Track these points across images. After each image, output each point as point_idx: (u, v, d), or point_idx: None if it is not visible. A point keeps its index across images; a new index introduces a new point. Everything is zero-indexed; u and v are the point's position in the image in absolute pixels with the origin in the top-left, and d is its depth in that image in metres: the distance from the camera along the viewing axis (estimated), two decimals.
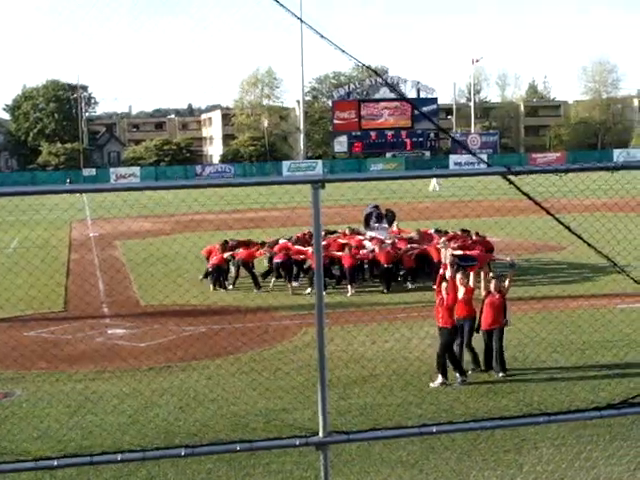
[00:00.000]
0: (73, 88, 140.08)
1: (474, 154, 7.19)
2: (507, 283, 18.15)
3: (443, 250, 22.67)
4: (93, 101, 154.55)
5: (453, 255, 22.48)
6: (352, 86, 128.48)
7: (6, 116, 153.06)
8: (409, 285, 27.62)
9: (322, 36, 5.46)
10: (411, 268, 27.94)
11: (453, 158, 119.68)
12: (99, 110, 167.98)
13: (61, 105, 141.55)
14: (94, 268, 34.73)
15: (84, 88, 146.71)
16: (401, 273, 28.37)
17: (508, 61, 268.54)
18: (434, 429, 6.40)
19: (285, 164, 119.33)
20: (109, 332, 22.57)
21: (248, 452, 12.58)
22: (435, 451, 12.94)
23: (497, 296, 17.55)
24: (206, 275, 29.40)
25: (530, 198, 5.91)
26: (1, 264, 30.04)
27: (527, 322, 20.36)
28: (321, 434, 6.27)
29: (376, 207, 32.34)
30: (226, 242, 29.84)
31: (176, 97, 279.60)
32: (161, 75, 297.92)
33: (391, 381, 16.93)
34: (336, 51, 6.18)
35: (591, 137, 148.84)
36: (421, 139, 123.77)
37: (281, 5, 6.19)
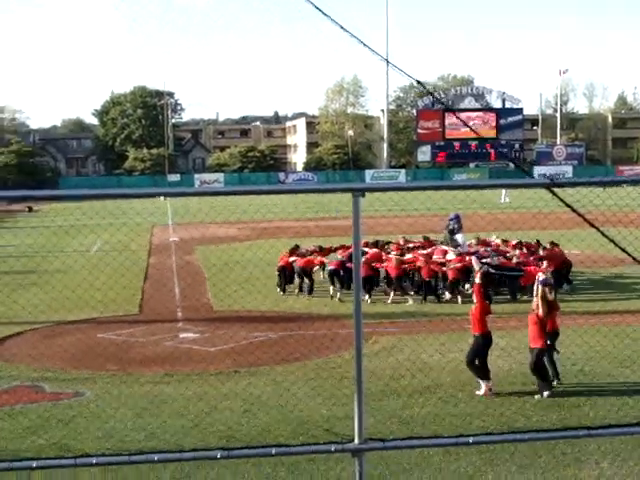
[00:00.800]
0: (160, 94, 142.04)
1: (516, 164, 7.13)
2: (536, 300, 17.79)
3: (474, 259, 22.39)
4: (179, 107, 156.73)
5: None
6: (437, 95, 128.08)
7: (94, 121, 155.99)
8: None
9: (371, 49, 5.50)
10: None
11: (537, 169, 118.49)
12: (185, 116, 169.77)
13: (148, 111, 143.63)
14: (172, 273, 35.16)
15: (170, 95, 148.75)
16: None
17: (596, 72, 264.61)
18: (470, 440, 6.40)
19: (368, 173, 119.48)
20: (181, 336, 22.85)
21: (307, 458, 12.74)
22: (495, 463, 12.87)
23: (533, 314, 17.34)
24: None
25: (574, 210, 5.88)
26: (82, 267, 30.50)
27: (595, 335, 20.11)
28: (357, 441, 6.31)
29: (457, 217, 32.05)
30: (297, 246, 30.25)
31: (262, 105, 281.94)
32: (249, 82, 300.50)
33: (455, 391, 16.88)
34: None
35: None
36: (505, 149, 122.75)
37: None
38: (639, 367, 18.39)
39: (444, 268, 27.95)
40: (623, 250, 6.06)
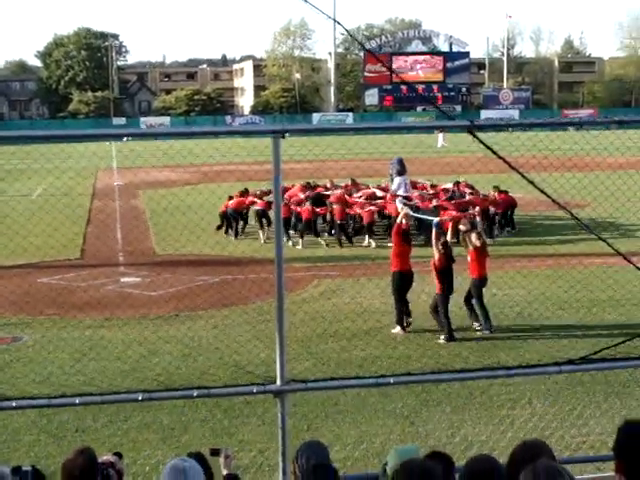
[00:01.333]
0: (104, 36, 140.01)
1: (437, 106, 7.12)
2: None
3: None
4: (124, 50, 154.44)
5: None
6: (384, 39, 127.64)
7: (38, 63, 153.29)
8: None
9: None
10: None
11: (484, 113, 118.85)
12: (131, 59, 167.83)
13: (92, 53, 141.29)
14: (115, 217, 34.89)
15: (115, 37, 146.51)
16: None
17: (543, 16, 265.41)
18: (391, 380, 6.45)
19: (316, 116, 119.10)
20: (122, 280, 22.78)
21: (244, 400, 12.80)
22: (430, 404, 13.04)
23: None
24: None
25: (494, 153, 5.89)
26: (22, 211, 30.13)
27: (537, 278, 20.39)
28: (279, 382, 6.34)
29: (398, 161, 31.89)
30: (246, 190, 30.47)
31: (210, 47, 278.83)
32: (196, 25, 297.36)
33: (394, 334, 17.02)
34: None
35: (625, 94, 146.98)
36: (452, 93, 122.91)
37: None
38: (576, 309, 18.67)
39: (359, 210, 28.32)
40: (542, 192, 6.11)
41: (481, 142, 5.88)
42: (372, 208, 28.44)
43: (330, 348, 16.10)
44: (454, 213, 25.85)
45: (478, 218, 26.00)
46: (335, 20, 5.67)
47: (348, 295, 20.12)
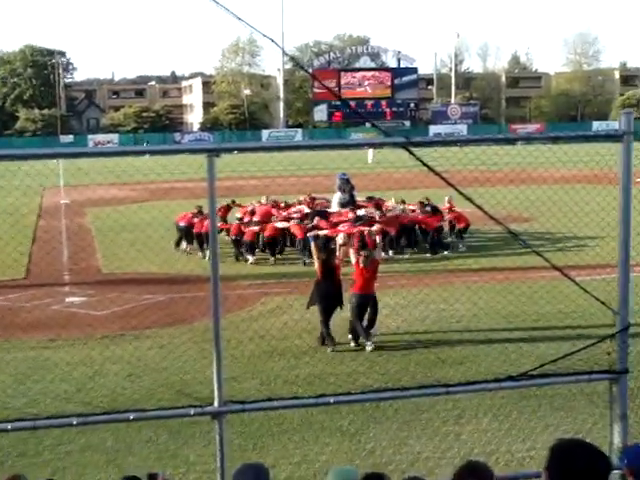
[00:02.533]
0: (51, 53, 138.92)
1: (373, 123, 7.10)
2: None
3: None
4: (72, 67, 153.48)
5: None
6: (332, 55, 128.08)
7: None
8: None
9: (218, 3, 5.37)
10: None
11: (433, 129, 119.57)
12: (79, 76, 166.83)
13: (39, 70, 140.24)
14: (61, 236, 34.55)
15: (62, 54, 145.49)
16: None
17: (490, 32, 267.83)
18: (331, 400, 6.40)
19: (265, 132, 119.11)
20: (67, 300, 22.50)
21: (190, 421, 12.63)
22: (377, 421, 12.99)
23: None
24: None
25: (430, 169, 5.87)
26: None
27: (486, 293, 20.45)
28: (216, 404, 6.26)
29: (340, 177, 31.73)
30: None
31: (160, 64, 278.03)
32: (145, 42, 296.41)
33: (342, 351, 16.98)
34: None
35: (572, 109, 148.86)
36: (401, 109, 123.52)
37: None
38: (522, 322, 18.76)
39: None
40: (479, 207, 6.10)
41: (417, 158, 5.86)
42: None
43: (277, 366, 16.00)
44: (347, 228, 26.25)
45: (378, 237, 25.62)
46: (284, 51, 5.62)
47: (296, 312, 20.02)
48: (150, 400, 13.94)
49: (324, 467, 11.04)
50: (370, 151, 75.88)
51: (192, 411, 6.24)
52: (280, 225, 28.25)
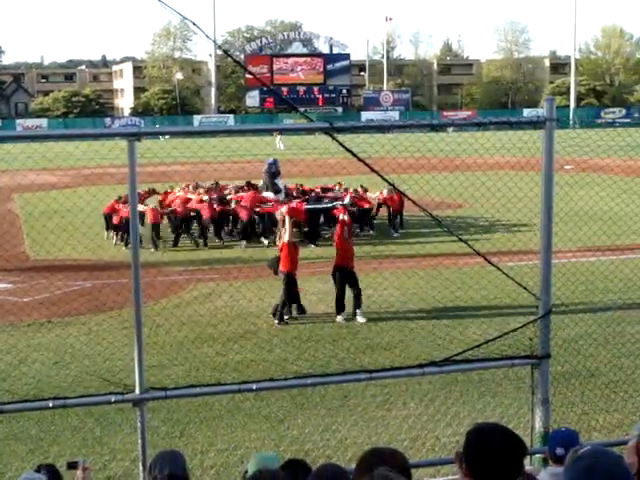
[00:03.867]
0: None
1: (297, 109, 7.08)
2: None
3: None
4: None
5: None
6: (265, 40, 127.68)
7: None
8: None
9: None
10: None
11: (365, 115, 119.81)
12: (7, 60, 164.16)
13: None
14: None
15: None
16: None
17: (422, 19, 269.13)
18: (254, 386, 6.37)
19: (197, 118, 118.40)
20: None
21: (117, 408, 12.51)
22: (305, 407, 13.01)
23: None
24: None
25: (354, 155, 5.85)
26: None
27: (414, 278, 20.54)
28: (137, 391, 6.20)
29: (275, 162, 31.73)
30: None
31: (90, 48, 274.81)
32: (76, 25, 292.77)
33: (271, 337, 16.97)
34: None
35: (502, 96, 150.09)
36: (333, 95, 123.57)
37: None
38: (450, 308, 18.93)
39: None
40: (402, 193, 6.10)
41: (340, 144, 5.84)
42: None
43: (205, 352, 15.93)
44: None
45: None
46: (215, 42, 5.55)
47: (224, 299, 19.96)
48: (77, 388, 13.75)
49: (250, 454, 11.02)
50: (278, 137, 75.77)
51: (113, 398, 6.19)
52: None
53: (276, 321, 18.02)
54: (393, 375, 7.30)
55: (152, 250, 26.88)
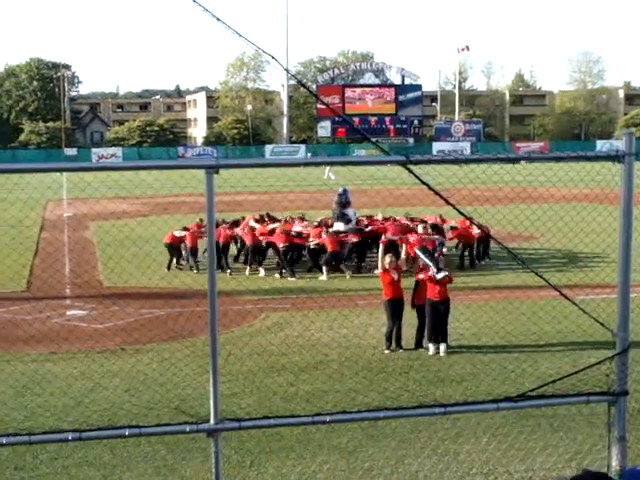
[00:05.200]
0: (57, 66, 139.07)
1: (369, 139, 7.11)
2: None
3: None
4: (77, 80, 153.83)
5: None
6: (337, 71, 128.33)
7: None
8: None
9: (218, 19, 5.39)
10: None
11: (436, 146, 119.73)
12: (85, 89, 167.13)
13: (44, 83, 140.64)
14: (63, 248, 34.54)
15: (67, 67, 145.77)
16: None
17: (495, 50, 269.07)
18: (327, 418, 6.37)
19: (268, 147, 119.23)
20: (68, 313, 22.50)
21: (189, 437, 12.58)
22: (375, 439, 12.94)
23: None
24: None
25: (430, 188, 5.87)
26: None
27: (487, 311, 20.42)
28: (212, 421, 6.23)
29: (346, 191, 31.79)
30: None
31: (164, 78, 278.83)
32: (151, 56, 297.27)
33: (342, 368, 16.93)
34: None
35: (575, 127, 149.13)
36: (405, 126, 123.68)
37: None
38: (522, 341, 18.78)
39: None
40: (479, 227, 6.08)
41: (417, 177, 5.85)
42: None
43: (276, 382, 15.96)
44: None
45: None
46: (287, 70, 5.63)
47: (297, 328, 20.03)
48: (148, 415, 13.91)
49: None
50: (327, 167, 76.20)
51: (188, 428, 6.23)
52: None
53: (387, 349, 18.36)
54: (467, 410, 7.26)
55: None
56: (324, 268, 27.61)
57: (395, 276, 18.68)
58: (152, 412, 14.11)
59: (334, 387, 15.66)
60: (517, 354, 17.87)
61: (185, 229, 29.86)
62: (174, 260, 29.65)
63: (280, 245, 28.01)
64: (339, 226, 29.99)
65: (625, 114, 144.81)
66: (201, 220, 30.67)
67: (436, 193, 5.88)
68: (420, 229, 28.26)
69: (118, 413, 14.07)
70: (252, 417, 7.72)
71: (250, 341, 18.89)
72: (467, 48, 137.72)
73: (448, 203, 5.99)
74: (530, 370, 16.58)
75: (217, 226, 30.89)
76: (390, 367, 17.03)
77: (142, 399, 14.95)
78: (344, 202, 30.67)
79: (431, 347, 18.15)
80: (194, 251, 29.26)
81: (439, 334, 18.14)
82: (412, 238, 26.70)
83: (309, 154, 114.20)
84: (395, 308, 18.61)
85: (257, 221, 31.27)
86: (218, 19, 5.46)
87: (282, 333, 19.77)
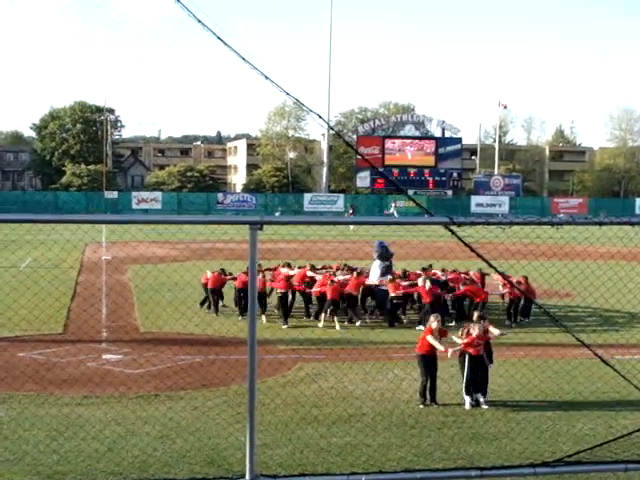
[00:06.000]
0: (100, 110, 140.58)
1: (406, 193, 7.15)
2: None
3: None
4: (120, 124, 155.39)
5: None
6: (377, 122, 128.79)
7: (33, 135, 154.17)
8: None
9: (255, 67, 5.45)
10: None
11: (475, 199, 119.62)
12: (127, 133, 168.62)
13: (87, 127, 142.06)
14: (100, 292, 34.73)
15: (111, 111, 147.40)
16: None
17: (535, 105, 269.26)
18: (363, 478, 6.34)
19: (307, 196, 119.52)
20: (103, 357, 22.57)
21: None
22: None
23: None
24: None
25: (472, 250, 5.87)
26: (7, 282, 30.06)
27: (521, 368, 20.28)
28: (248, 477, 6.21)
29: (379, 244, 31.67)
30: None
31: (206, 124, 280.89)
32: (193, 101, 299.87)
33: (376, 422, 16.83)
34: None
35: (615, 184, 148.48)
36: (444, 178, 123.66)
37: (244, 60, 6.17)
38: (558, 400, 18.62)
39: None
40: (516, 287, 6.07)
41: (459, 238, 5.86)
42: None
43: (309, 434, 15.88)
44: None
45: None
46: (328, 124, 5.68)
47: (331, 379, 19.97)
48: (180, 463, 13.90)
49: None
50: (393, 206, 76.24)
51: None
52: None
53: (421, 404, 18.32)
54: (504, 474, 7.18)
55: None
56: (322, 316, 27.91)
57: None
58: (184, 460, 14.10)
59: (367, 441, 15.55)
60: (551, 413, 17.72)
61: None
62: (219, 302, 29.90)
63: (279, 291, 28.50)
64: (374, 277, 30.08)
65: None
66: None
67: (479, 255, 5.89)
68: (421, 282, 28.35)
69: (149, 460, 14.05)
70: (288, 473, 7.66)
71: (282, 392, 18.84)
72: (505, 106, 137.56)
73: (484, 260, 5.99)
74: (564, 430, 16.43)
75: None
76: (423, 422, 16.91)
77: (174, 447, 14.93)
78: (380, 254, 30.69)
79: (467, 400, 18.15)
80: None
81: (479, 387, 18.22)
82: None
83: (348, 204, 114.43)
84: (428, 363, 18.55)
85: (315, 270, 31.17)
86: (267, 77, 5.53)
87: (315, 385, 19.70)
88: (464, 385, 18.32)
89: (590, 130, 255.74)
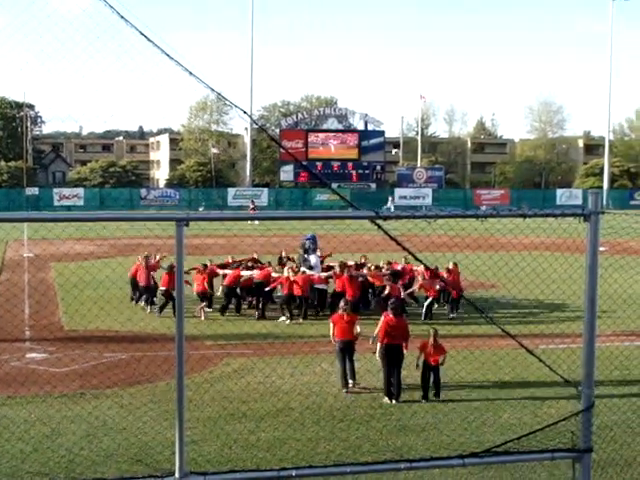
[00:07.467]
0: (20, 106, 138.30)
1: (329, 186, 7.18)
2: None
3: None
4: (40, 120, 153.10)
5: None
6: (300, 115, 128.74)
7: None
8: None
9: (191, 73, 5.42)
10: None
11: (399, 191, 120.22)
12: (47, 129, 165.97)
13: (7, 123, 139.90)
14: (23, 291, 34.19)
15: (30, 107, 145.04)
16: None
17: (457, 97, 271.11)
18: (293, 473, 6.34)
19: (231, 191, 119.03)
20: (28, 356, 22.26)
21: None
22: None
23: None
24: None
25: (398, 243, 5.90)
26: None
27: (448, 359, 20.43)
28: (177, 474, 6.18)
29: (313, 237, 31.72)
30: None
31: (128, 120, 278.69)
32: (113, 97, 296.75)
33: (304, 416, 16.86)
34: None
35: (536, 176, 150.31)
36: (367, 171, 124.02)
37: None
38: (484, 390, 18.80)
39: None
40: (436, 274, 6.12)
41: (384, 232, 5.89)
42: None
43: (237, 430, 15.84)
44: None
45: None
46: (252, 118, 5.67)
47: (259, 375, 19.94)
48: (108, 462, 13.79)
49: None
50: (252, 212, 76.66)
51: None
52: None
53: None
54: (433, 465, 7.24)
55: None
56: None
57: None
58: (111, 459, 13.99)
59: (295, 435, 15.57)
60: (478, 404, 17.90)
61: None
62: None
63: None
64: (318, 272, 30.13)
65: (585, 163, 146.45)
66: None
67: (404, 249, 5.92)
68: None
69: (76, 459, 13.91)
70: (217, 469, 7.63)
71: (209, 387, 18.76)
72: (423, 98, 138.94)
73: (410, 253, 6.03)
74: (491, 420, 16.62)
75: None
76: (351, 415, 16.98)
77: (101, 445, 14.81)
78: (307, 248, 30.71)
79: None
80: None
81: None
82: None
83: (271, 198, 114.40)
84: (342, 350, 18.87)
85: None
86: (187, 70, 5.49)
87: (242, 380, 19.66)
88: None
89: (511, 122, 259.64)
